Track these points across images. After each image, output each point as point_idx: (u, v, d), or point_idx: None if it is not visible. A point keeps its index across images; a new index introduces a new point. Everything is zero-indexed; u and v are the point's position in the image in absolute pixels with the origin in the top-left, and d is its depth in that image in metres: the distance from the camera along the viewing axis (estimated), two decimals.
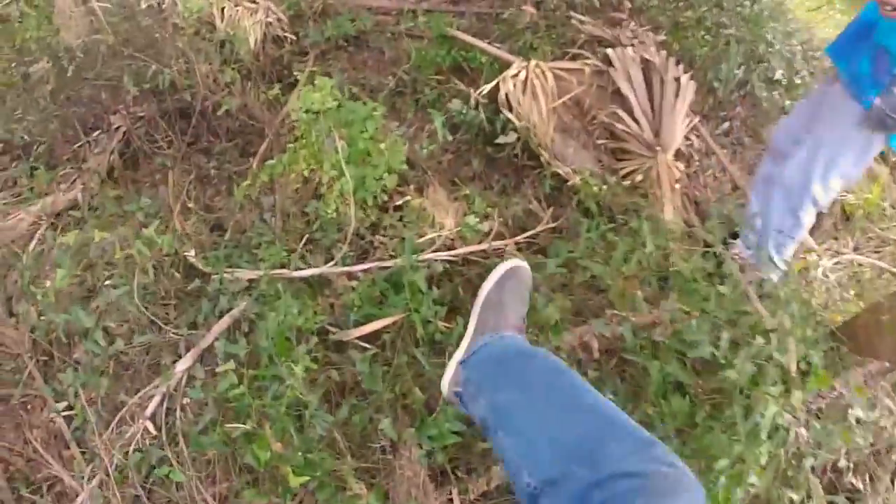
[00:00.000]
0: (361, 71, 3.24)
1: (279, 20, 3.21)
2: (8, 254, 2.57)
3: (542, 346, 1.81)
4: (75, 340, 2.30)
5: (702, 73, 3.60)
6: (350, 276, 2.16)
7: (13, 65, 3.04)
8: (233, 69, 2.84)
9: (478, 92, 2.94)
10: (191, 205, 2.70)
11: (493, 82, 2.96)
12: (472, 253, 2.31)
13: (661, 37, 3.55)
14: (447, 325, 2.01)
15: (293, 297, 1.98)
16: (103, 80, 2.95)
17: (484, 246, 2.30)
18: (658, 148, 2.91)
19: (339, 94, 2.36)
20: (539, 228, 2.49)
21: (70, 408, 2.12)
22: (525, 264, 1.71)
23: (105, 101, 3.01)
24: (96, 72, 2.85)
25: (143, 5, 2.89)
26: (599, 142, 3.07)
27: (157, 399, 2.08)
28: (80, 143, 2.99)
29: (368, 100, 2.80)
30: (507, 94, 2.96)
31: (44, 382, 2.25)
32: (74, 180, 2.87)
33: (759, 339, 1.73)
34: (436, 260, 2.17)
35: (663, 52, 3.26)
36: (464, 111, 2.87)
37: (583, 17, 3.64)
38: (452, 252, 2.24)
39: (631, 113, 3.04)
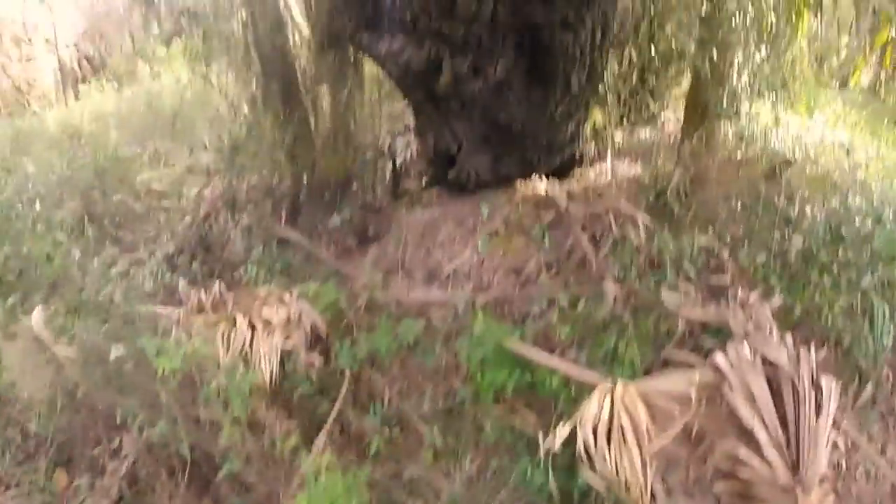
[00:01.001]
0: (408, 392, 2.62)
1: (307, 333, 2.69)
2: None
3: None
4: None
5: (834, 334, 2.80)
6: None
7: None
8: (236, 419, 2.31)
9: (547, 443, 2.23)
10: None
11: (569, 425, 2.26)
12: None
13: (777, 300, 2.79)
14: None
15: None
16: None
17: None
18: (798, 491, 2.16)
19: None
20: None
21: None
22: None
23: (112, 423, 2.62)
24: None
25: (114, 355, 2.45)
26: (716, 483, 2.29)
27: None
28: (97, 448, 2.63)
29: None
30: (585, 442, 2.25)
31: None
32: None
33: None
34: None
35: (789, 341, 2.48)
36: (529, 475, 2.15)
37: (676, 293, 2.97)
38: None
39: (757, 444, 2.26)
